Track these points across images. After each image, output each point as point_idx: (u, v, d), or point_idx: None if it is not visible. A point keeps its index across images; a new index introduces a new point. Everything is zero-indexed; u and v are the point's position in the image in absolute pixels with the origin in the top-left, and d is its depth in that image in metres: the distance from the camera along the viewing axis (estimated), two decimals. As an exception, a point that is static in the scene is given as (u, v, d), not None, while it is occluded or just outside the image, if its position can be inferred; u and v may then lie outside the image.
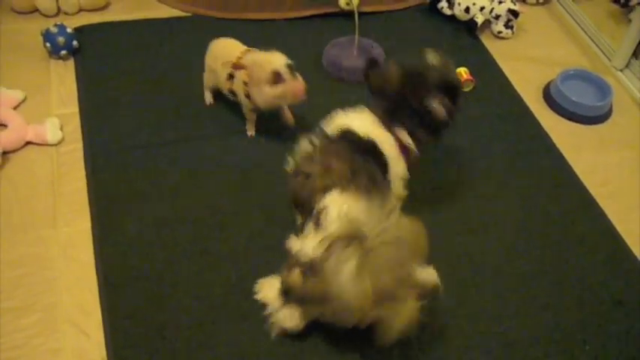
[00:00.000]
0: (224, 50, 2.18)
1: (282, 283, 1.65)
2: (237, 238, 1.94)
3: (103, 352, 1.67)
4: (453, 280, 1.88)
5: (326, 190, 1.65)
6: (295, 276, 1.59)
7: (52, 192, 2.02)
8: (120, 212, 1.97)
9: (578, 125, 2.47)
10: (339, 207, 1.60)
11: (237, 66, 2.09)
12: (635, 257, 2.02)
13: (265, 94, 2.02)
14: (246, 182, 2.10)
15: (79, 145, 2.15)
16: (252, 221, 1.99)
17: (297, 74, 2.03)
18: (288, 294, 1.64)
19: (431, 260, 1.90)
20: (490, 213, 2.11)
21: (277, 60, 2.01)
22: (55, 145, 2.15)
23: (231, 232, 1.95)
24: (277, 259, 1.70)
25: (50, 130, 2.14)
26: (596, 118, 2.49)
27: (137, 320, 1.73)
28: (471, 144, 2.33)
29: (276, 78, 1.99)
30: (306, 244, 1.58)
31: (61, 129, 2.18)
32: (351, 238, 1.45)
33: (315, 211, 1.62)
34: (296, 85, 2.02)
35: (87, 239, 1.90)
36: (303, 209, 1.72)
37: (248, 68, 2.05)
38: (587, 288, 1.92)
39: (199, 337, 1.71)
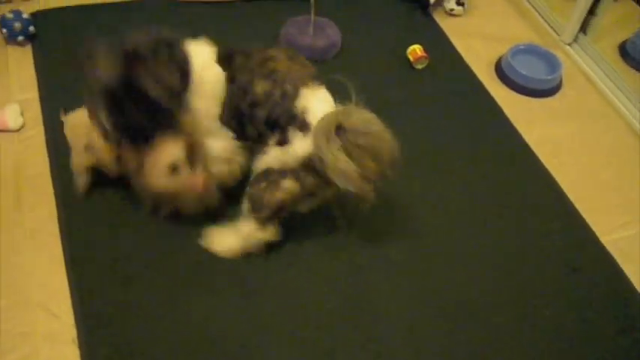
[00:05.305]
0: None
1: (270, 202, 1.73)
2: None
3: (74, 334, 1.69)
4: (417, 252, 1.96)
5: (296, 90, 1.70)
6: (289, 184, 1.69)
7: (15, 178, 2.02)
8: (85, 194, 1.97)
9: (529, 99, 2.54)
10: (319, 104, 1.69)
11: None
12: (588, 226, 2.10)
13: None
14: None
15: (41, 130, 2.15)
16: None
17: None
18: (281, 208, 1.75)
19: (392, 233, 1.96)
20: (447, 186, 2.17)
21: None
22: (17, 130, 2.14)
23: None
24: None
25: (11, 116, 2.14)
26: (546, 91, 2.57)
27: (107, 300, 1.76)
28: (425, 121, 2.38)
29: None
30: (295, 149, 1.67)
31: (22, 115, 2.18)
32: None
33: (296, 116, 1.68)
34: None
35: (52, 223, 1.91)
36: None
37: None
38: (545, 256, 2.01)
39: (173, 314, 1.75)
